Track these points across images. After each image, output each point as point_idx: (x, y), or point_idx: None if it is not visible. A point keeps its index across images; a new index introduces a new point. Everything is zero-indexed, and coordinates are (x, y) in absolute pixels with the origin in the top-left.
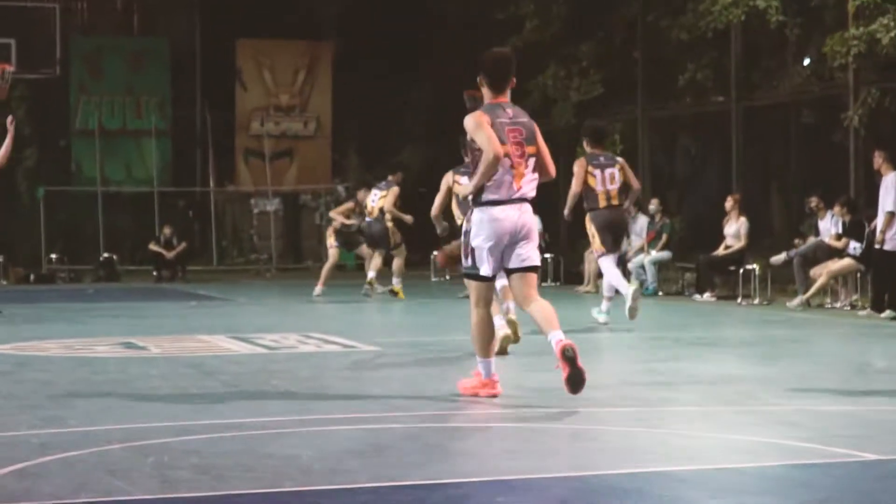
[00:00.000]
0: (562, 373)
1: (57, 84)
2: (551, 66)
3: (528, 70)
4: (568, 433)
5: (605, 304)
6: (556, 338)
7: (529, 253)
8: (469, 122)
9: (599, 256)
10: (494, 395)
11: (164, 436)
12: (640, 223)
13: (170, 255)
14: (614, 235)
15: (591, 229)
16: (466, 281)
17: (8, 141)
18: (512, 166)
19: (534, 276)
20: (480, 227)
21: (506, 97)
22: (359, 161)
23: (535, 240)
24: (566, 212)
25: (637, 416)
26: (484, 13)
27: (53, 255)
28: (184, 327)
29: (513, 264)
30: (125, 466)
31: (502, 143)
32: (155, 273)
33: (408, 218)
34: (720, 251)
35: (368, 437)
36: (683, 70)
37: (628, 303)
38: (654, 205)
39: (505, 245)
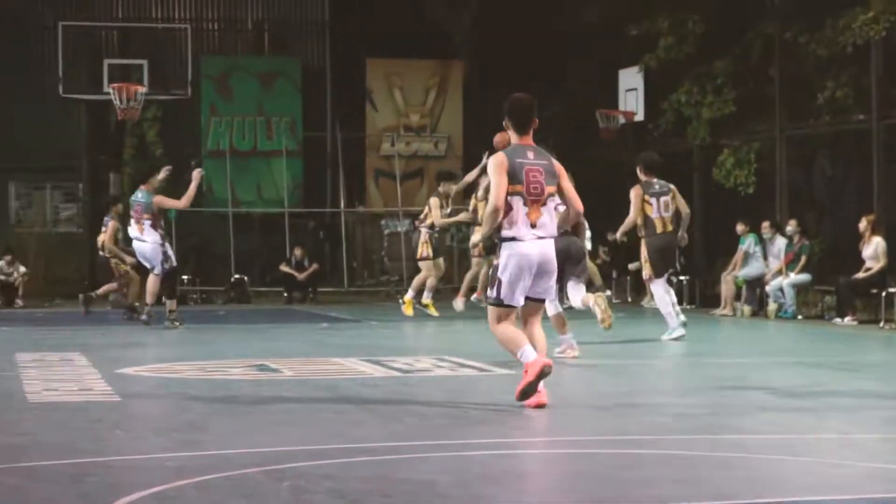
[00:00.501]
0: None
1: (188, 105)
2: (685, 84)
3: (661, 88)
4: (714, 461)
5: (671, 321)
6: (543, 358)
7: (546, 286)
8: (491, 162)
9: (650, 281)
10: (548, 367)
11: (300, 460)
12: (778, 245)
13: (301, 276)
14: (666, 261)
15: (644, 254)
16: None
17: (192, 189)
18: (526, 204)
19: (542, 306)
20: (507, 262)
21: (529, 139)
22: (489, 180)
23: (555, 273)
24: (618, 236)
25: (783, 444)
26: (618, 29)
27: (185, 276)
28: (316, 350)
29: (529, 294)
30: (261, 491)
31: (520, 182)
32: (286, 294)
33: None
34: (861, 273)
35: (505, 462)
36: (822, 88)
37: (670, 335)
38: (791, 226)
39: (528, 277)
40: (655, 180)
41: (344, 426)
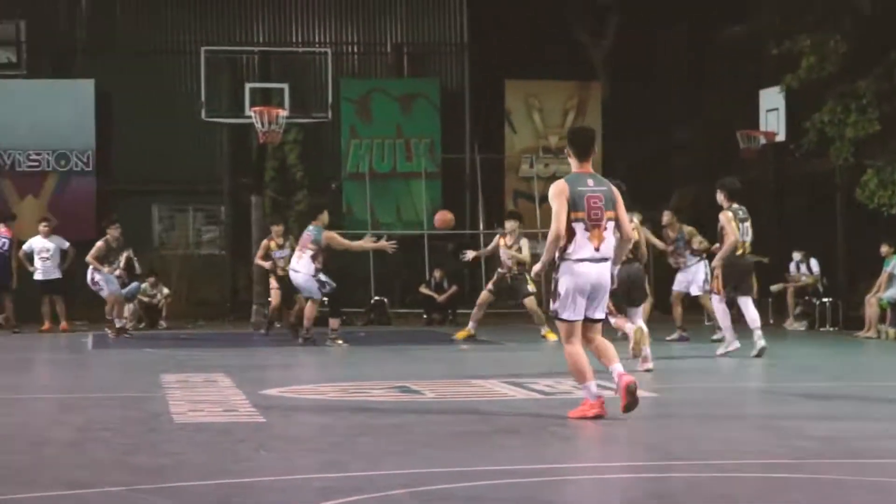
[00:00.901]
0: (621, 401)
1: (328, 128)
2: (828, 103)
3: (803, 107)
4: (866, 486)
5: (727, 335)
6: (618, 370)
7: (599, 305)
8: (552, 189)
9: (713, 294)
10: (601, 416)
11: (445, 481)
12: None
13: (440, 298)
14: (736, 282)
15: (718, 271)
16: (557, 322)
17: (366, 245)
18: (587, 229)
19: (599, 325)
20: (565, 279)
21: (588, 167)
22: (629, 202)
23: (608, 293)
24: (718, 261)
25: None
26: (757, 49)
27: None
28: (457, 371)
29: (587, 313)
30: None
31: (580, 209)
32: (425, 316)
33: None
34: None
35: (649, 485)
36: None
37: (726, 349)
38: None
39: (585, 295)
40: (737, 206)
41: (487, 448)
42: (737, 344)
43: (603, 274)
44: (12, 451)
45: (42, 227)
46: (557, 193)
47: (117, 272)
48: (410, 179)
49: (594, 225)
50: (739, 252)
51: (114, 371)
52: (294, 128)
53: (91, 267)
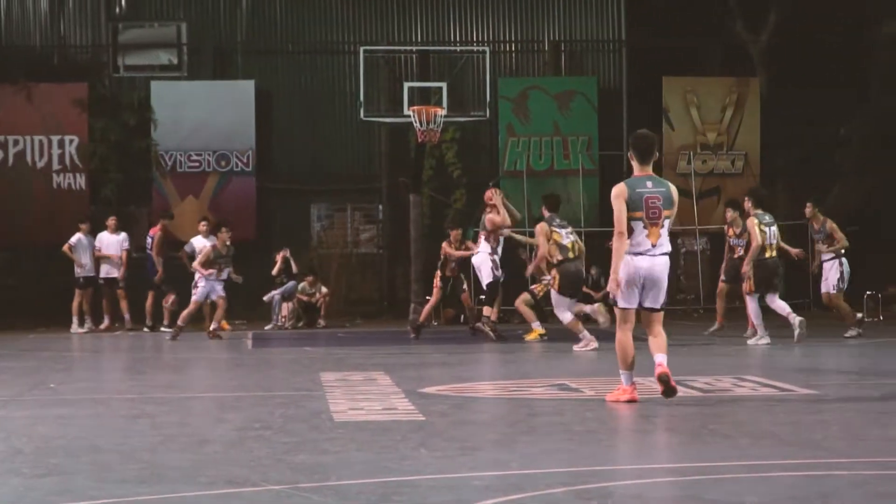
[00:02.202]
0: (659, 388)
1: (486, 126)
2: None
3: None
4: None
5: (761, 330)
6: (658, 360)
7: (658, 297)
8: (613, 192)
9: (748, 294)
10: (634, 401)
11: (605, 479)
12: None
13: (597, 295)
14: (766, 282)
15: (750, 272)
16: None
17: (503, 208)
18: (646, 227)
19: (657, 316)
20: (624, 271)
21: (649, 170)
22: (787, 198)
23: (665, 285)
24: (746, 266)
25: None
26: None
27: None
28: (614, 369)
29: (644, 304)
30: None
31: (639, 209)
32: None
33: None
34: None
35: (813, 484)
36: None
37: (757, 341)
38: None
39: (640, 287)
40: (761, 212)
41: (647, 446)
42: (767, 339)
43: (657, 266)
44: (175, 450)
45: (202, 226)
46: (617, 196)
47: (230, 276)
48: (568, 177)
49: (652, 223)
50: (768, 255)
51: (274, 370)
52: (452, 126)
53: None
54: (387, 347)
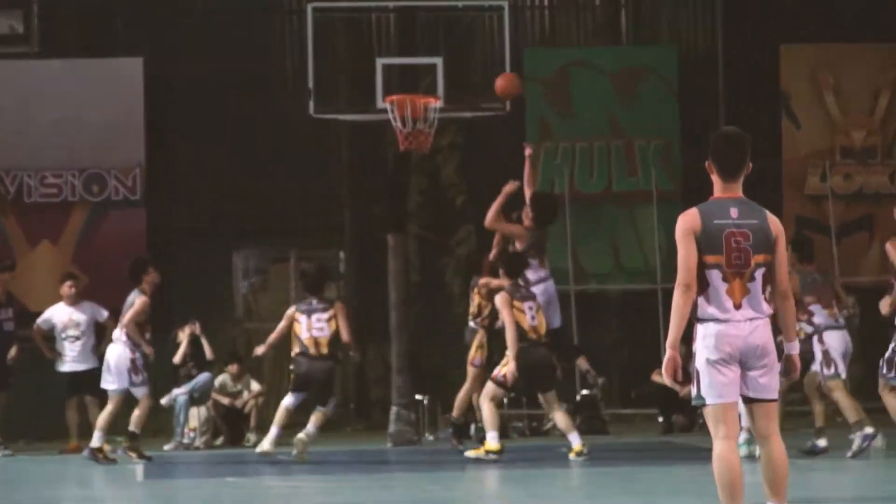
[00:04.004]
0: None
1: (504, 125)
2: None
3: None
4: None
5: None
6: None
7: (769, 381)
8: (678, 223)
9: None
10: None
11: None
12: None
13: (683, 391)
14: None
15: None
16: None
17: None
18: (726, 279)
19: (769, 409)
20: (702, 346)
21: (737, 189)
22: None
23: (775, 364)
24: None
25: None
26: None
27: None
28: None
29: (749, 393)
30: None
31: (717, 251)
32: (661, 419)
33: None
34: None
35: None
36: None
37: None
38: None
39: (729, 365)
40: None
41: None
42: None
43: (757, 336)
44: None
45: (66, 287)
46: (683, 231)
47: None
48: (635, 204)
49: (735, 273)
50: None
51: None
52: (452, 126)
53: (124, 340)
54: (356, 476)
